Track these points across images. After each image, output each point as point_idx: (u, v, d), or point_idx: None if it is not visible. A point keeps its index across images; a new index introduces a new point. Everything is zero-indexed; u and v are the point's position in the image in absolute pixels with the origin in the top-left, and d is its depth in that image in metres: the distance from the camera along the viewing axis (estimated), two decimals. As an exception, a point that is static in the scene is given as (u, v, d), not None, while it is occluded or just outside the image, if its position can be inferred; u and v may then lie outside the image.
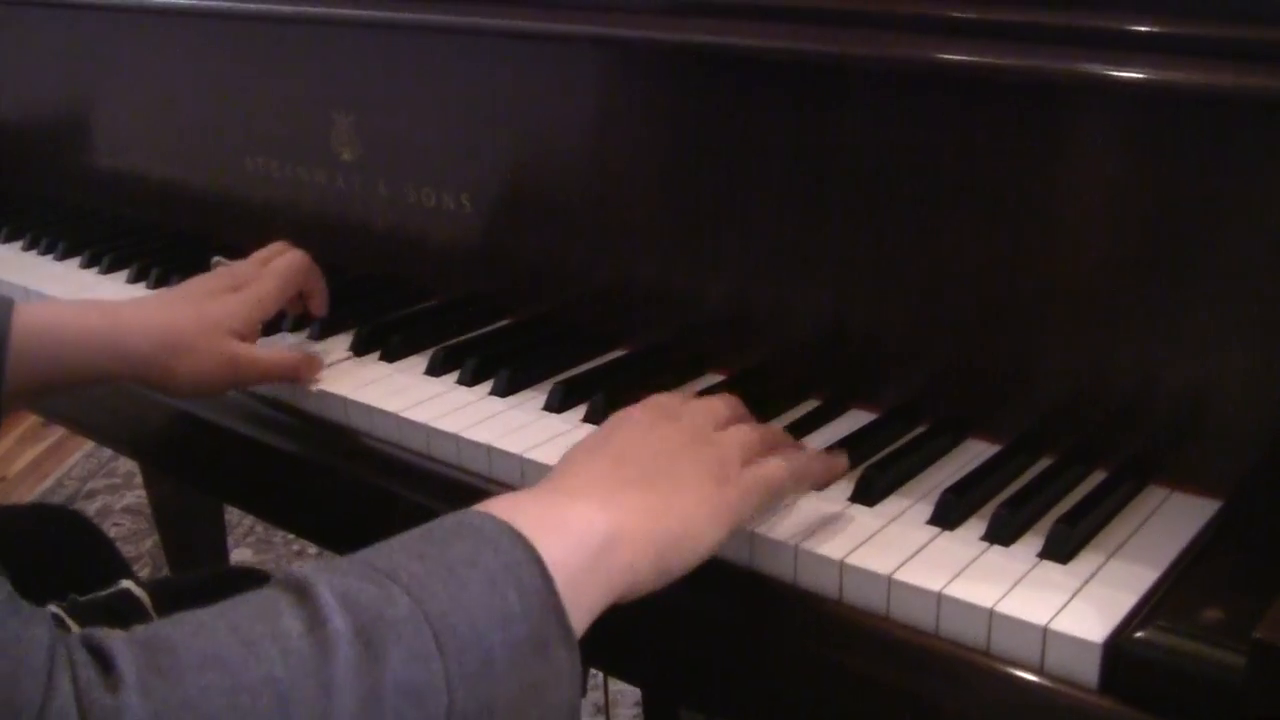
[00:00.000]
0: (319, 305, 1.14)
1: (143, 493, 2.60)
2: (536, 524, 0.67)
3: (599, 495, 0.72)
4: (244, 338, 1.03)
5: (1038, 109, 0.85)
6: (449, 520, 0.67)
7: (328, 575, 0.61)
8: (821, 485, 0.85)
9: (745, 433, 0.81)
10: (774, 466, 0.80)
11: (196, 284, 1.07)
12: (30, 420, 3.08)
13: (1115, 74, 0.78)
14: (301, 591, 0.60)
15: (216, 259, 1.15)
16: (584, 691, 1.85)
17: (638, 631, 0.87)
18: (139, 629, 0.58)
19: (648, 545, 0.71)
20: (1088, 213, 0.85)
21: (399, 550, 0.64)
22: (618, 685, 2.06)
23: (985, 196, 0.88)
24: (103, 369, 1.00)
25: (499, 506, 0.69)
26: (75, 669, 0.54)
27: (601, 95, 1.07)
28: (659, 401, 0.84)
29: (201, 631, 0.57)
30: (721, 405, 0.85)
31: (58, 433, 3.05)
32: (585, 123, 1.08)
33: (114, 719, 0.53)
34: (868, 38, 0.88)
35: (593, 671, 1.93)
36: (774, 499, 0.80)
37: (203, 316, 1.02)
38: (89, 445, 3.01)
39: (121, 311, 1.02)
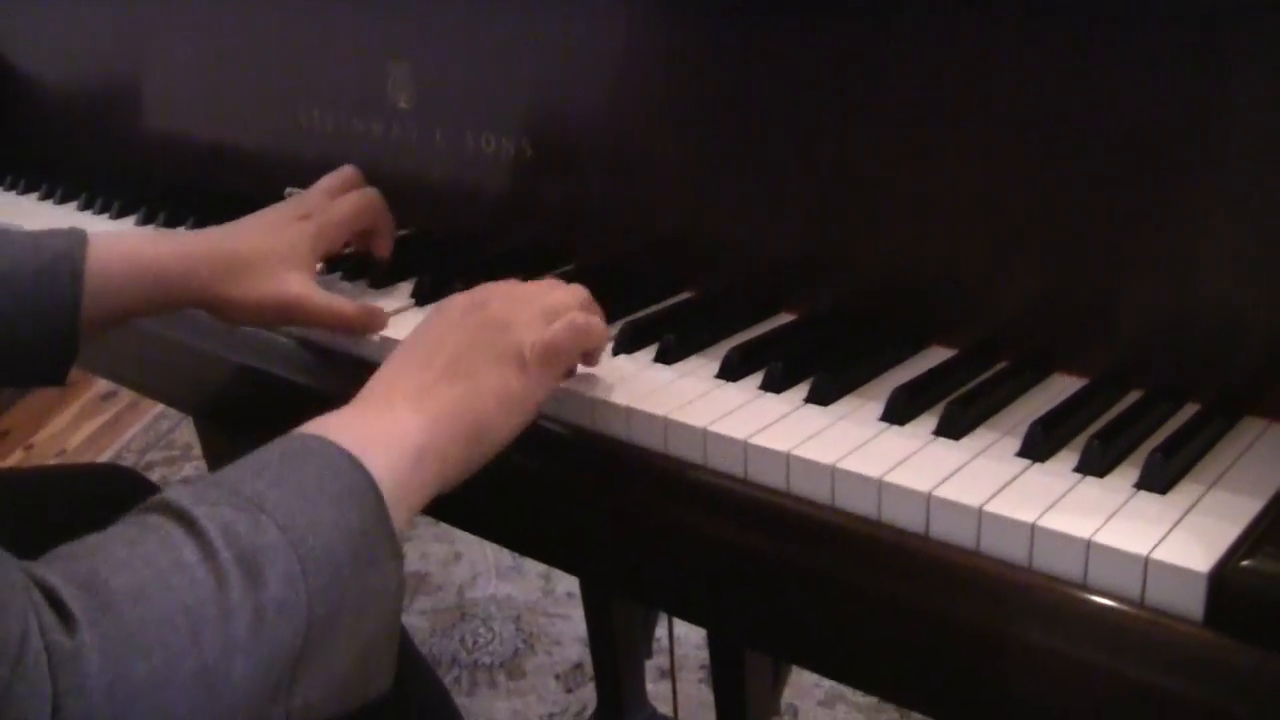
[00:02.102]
0: (384, 246, 1.13)
1: (200, 464, 2.60)
2: (364, 441, 0.74)
3: (411, 401, 0.80)
4: (307, 268, 1.03)
5: (1111, 39, 0.81)
6: (294, 444, 0.73)
7: (206, 507, 0.66)
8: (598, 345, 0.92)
9: (554, 295, 0.89)
10: (556, 334, 0.86)
11: (266, 213, 1.07)
12: (89, 394, 3.10)
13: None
14: (188, 523, 0.65)
15: (290, 190, 1.14)
16: (649, 655, 1.84)
17: (715, 578, 0.85)
18: (64, 564, 0.62)
19: (455, 446, 0.80)
20: (1172, 140, 0.81)
21: (257, 476, 0.70)
22: (681, 649, 2.05)
23: (1061, 125, 0.85)
24: (173, 297, 1.01)
25: (329, 426, 0.76)
26: (38, 611, 0.58)
27: (663, 32, 1.04)
28: (481, 287, 0.90)
29: (124, 567, 0.62)
30: (542, 283, 0.92)
31: (116, 406, 3.06)
32: (648, 61, 1.05)
33: (73, 659, 0.57)
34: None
35: (657, 635, 1.92)
36: (565, 366, 0.88)
37: (269, 245, 1.02)
38: (147, 418, 3.02)
39: (193, 240, 1.03)
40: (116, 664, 0.58)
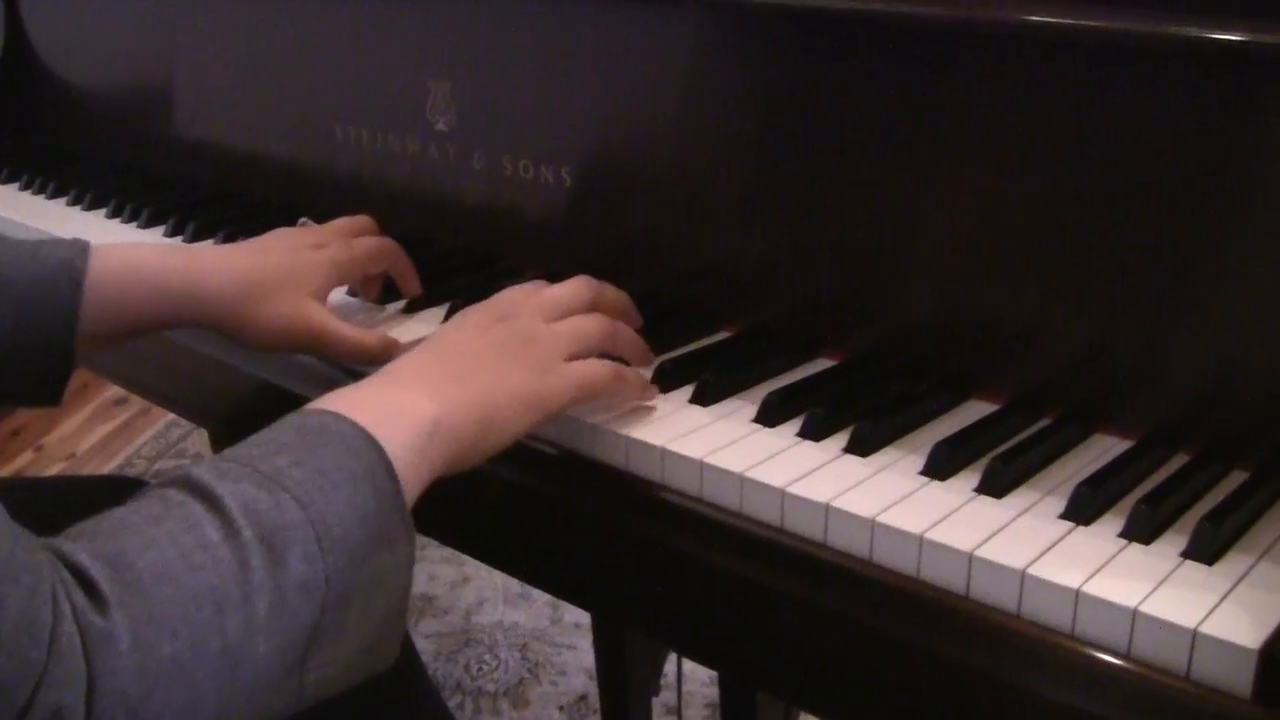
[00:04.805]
0: (413, 285, 1.12)
1: (211, 474, 2.58)
2: (377, 419, 0.74)
3: (427, 388, 0.80)
4: (320, 296, 1.01)
5: (1167, 80, 0.80)
6: (311, 420, 0.73)
7: (229, 484, 0.66)
8: (630, 397, 0.90)
9: (575, 325, 0.89)
10: (595, 368, 0.87)
11: (281, 236, 1.05)
12: (100, 399, 3.08)
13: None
14: (211, 500, 0.65)
15: (303, 220, 1.13)
16: (657, 691, 1.82)
17: (745, 624, 0.84)
18: (89, 542, 0.62)
19: (466, 428, 0.80)
20: (1224, 195, 0.80)
21: (277, 453, 0.70)
22: (688, 686, 2.03)
23: (1111, 178, 0.84)
24: (179, 313, 0.98)
25: (343, 403, 0.75)
26: (68, 591, 0.58)
27: (707, 67, 1.03)
28: (501, 299, 0.90)
29: (151, 546, 0.62)
30: (566, 295, 0.92)
31: (127, 411, 3.05)
32: (691, 96, 1.04)
33: (107, 640, 0.58)
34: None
35: (665, 671, 1.90)
36: (590, 396, 0.87)
37: (285, 268, 1.00)
38: (159, 425, 3.00)
39: (203, 256, 1.01)
40: (144, 644, 0.59)
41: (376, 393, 0.79)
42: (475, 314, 0.89)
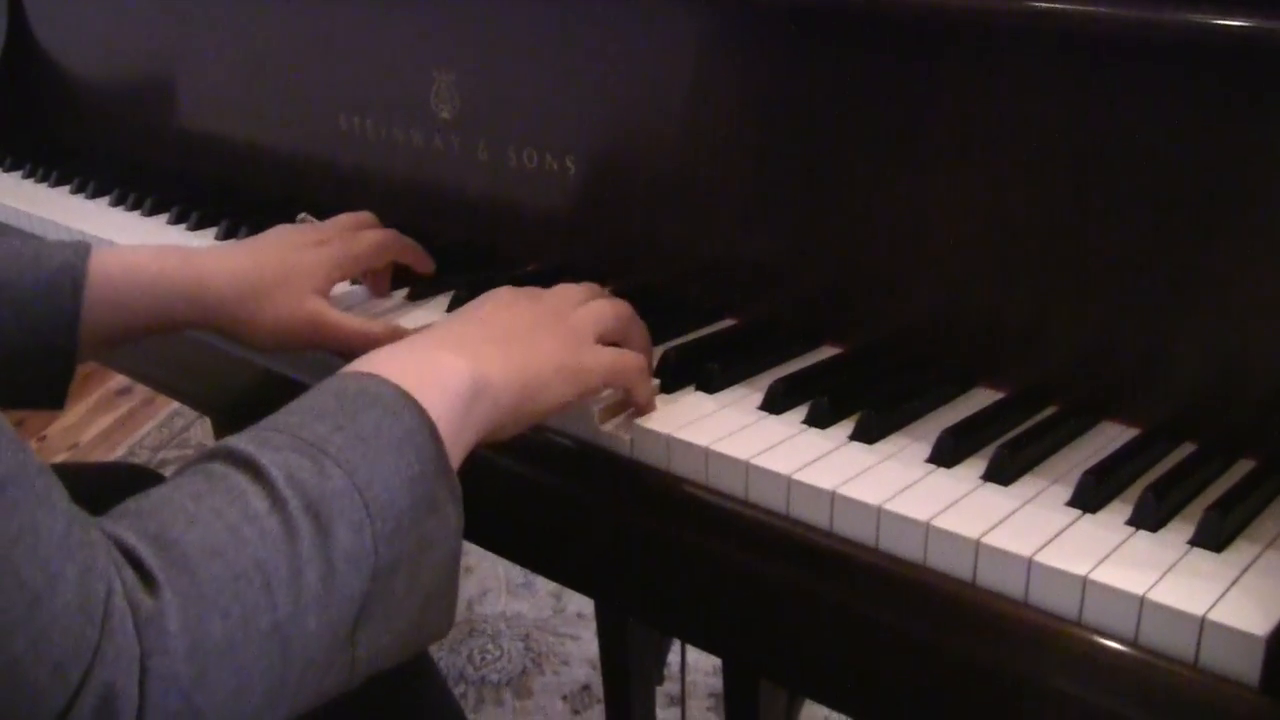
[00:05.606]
0: (424, 264, 1.12)
1: (214, 464, 2.58)
2: (417, 381, 0.73)
3: (466, 349, 0.79)
4: (322, 293, 1.00)
5: (1170, 72, 0.80)
6: (349, 385, 0.72)
7: (270, 453, 0.65)
8: (641, 398, 0.89)
9: (600, 307, 0.89)
10: (626, 356, 0.87)
11: (281, 234, 1.05)
12: (103, 389, 3.08)
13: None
14: (254, 471, 0.64)
15: (303, 215, 1.12)
16: (660, 681, 1.82)
17: (750, 612, 0.83)
18: (135, 520, 0.61)
19: (507, 392, 0.79)
20: (1232, 185, 0.80)
21: (317, 420, 0.69)
22: (692, 676, 2.03)
23: (1117, 169, 0.83)
24: (181, 315, 0.98)
25: (382, 365, 0.75)
26: (119, 570, 0.58)
27: (712, 57, 1.02)
28: (521, 288, 0.90)
29: (195, 523, 0.61)
30: (582, 289, 0.92)
31: (130, 402, 3.05)
32: (696, 85, 1.04)
33: (158, 620, 0.57)
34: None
35: (668, 660, 1.90)
36: (618, 382, 0.87)
37: (283, 267, 0.99)
38: (161, 415, 3.00)
39: (202, 257, 0.99)
40: (195, 623, 0.58)
41: (415, 354, 0.78)
42: (500, 293, 0.89)
